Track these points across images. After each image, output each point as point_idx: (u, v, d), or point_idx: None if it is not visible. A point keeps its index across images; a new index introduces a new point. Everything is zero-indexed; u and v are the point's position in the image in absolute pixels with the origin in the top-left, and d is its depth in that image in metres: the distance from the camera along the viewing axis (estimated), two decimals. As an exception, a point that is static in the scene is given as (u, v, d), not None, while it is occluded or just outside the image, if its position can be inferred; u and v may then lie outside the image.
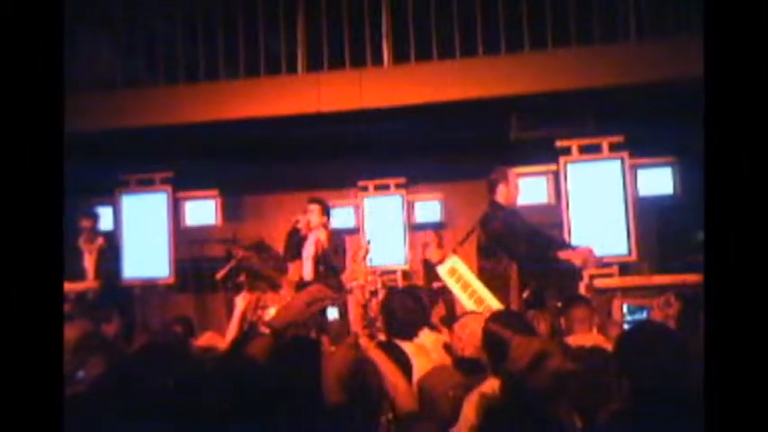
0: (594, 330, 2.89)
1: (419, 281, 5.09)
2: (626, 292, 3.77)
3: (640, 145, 4.56)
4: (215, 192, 5.39)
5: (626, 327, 3.26)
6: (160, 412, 1.53)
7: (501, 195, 3.40)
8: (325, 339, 3.43)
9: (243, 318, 2.76)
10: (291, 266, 4.10)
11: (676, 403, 1.57)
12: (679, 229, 4.67)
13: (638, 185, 4.66)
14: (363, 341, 2.30)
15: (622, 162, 4.54)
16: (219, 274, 4.26)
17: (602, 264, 3.96)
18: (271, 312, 3.55)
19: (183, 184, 5.30)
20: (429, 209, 5.53)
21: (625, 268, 4.41)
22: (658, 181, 4.75)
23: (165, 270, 5.14)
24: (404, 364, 2.13)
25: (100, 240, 4.78)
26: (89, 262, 4.74)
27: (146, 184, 5.31)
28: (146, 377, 1.65)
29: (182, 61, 4.97)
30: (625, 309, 3.63)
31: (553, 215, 4.72)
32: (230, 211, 5.54)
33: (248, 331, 2.89)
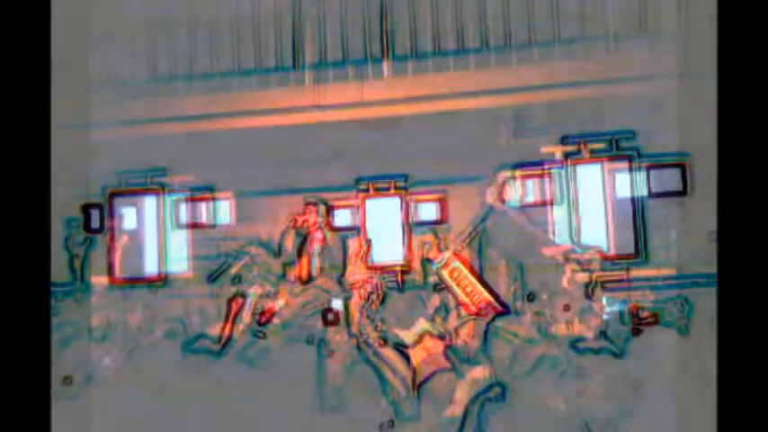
0: (576, 320, 2.96)
1: (417, 277, 5.02)
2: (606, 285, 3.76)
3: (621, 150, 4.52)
4: (228, 193, 5.37)
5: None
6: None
7: (493, 197, 3.39)
8: (328, 332, 3.36)
9: (252, 310, 2.71)
10: (297, 264, 4.04)
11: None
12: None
13: (617, 187, 4.62)
14: (365, 332, 2.22)
15: (602, 166, 4.50)
16: (231, 270, 4.22)
17: (586, 260, 3.96)
18: (278, 306, 3.50)
19: (199, 186, 5.27)
20: (427, 209, 5.47)
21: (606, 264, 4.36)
22: (636, 184, 4.70)
23: (184, 266, 5.10)
24: (402, 353, 2.07)
25: (125, 238, 4.77)
26: (116, 258, 4.73)
27: (167, 187, 5.29)
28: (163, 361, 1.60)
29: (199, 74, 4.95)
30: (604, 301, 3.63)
31: (541, 215, 4.69)
32: (241, 212, 5.49)
33: (257, 323, 2.82)
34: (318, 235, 3.87)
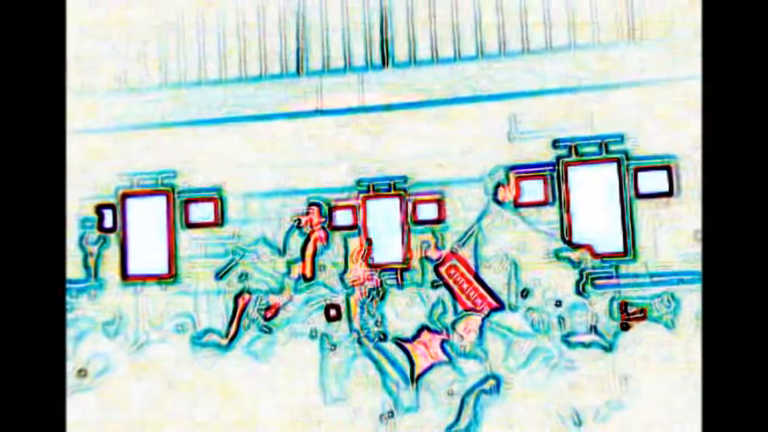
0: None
1: (416, 275, 5.02)
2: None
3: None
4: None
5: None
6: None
7: (488, 197, 3.40)
8: (331, 327, 3.36)
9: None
10: (300, 262, 4.05)
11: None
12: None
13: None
14: (366, 327, 2.23)
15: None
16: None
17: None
18: (283, 302, 3.50)
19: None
20: (425, 209, 5.47)
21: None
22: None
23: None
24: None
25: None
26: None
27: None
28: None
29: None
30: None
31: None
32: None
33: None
34: (321, 234, 3.89)
